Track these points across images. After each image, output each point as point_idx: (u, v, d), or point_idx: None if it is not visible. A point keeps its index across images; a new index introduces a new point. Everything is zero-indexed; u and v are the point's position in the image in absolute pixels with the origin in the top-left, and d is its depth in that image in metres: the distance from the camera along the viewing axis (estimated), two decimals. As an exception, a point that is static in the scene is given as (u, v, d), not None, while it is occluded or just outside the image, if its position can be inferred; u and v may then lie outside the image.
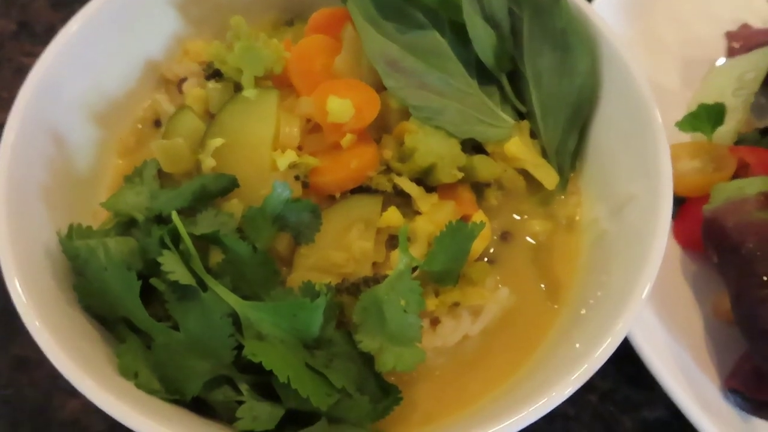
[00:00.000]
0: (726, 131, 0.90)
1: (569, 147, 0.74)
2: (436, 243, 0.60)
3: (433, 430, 0.59)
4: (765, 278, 0.72)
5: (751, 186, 0.80)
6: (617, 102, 0.71)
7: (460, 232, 0.60)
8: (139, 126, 0.79)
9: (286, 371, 0.52)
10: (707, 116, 0.88)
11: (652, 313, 0.79)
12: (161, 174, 0.69)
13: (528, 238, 0.74)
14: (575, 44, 0.72)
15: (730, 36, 0.99)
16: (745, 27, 1.02)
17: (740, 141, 0.90)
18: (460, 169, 0.70)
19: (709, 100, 0.92)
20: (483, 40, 0.74)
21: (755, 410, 0.73)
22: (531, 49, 0.75)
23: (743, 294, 0.73)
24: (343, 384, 0.55)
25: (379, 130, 0.73)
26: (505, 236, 0.74)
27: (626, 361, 0.76)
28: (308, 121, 0.71)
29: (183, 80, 0.78)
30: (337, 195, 0.69)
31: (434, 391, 0.65)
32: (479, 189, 0.74)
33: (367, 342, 0.57)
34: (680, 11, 1.05)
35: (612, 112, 0.72)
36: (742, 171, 0.86)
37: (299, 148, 0.70)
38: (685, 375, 0.74)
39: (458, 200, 0.71)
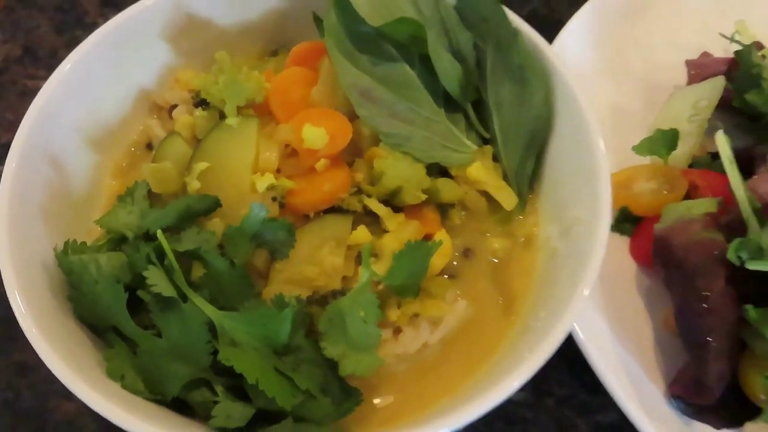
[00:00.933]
0: (681, 154, 0.96)
1: (527, 171, 0.81)
2: (395, 259, 0.66)
3: (392, 429, 0.65)
4: (704, 293, 0.78)
5: (699, 207, 0.86)
6: (568, 131, 0.77)
7: (418, 250, 0.67)
8: (133, 149, 0.85)
9: (255, 374, 0.58)
10: (663, 141, 0.94)
11: (606, 324, 0.84)
12: (151, 194, 0.76)
13: (488, 255, 0.80)
14: (531, 78, 0.79)
15: (689, 64, 1.05)
16: (705, 55, 1.08)
17: (694, 164, 0.96)
18: (425, 191, 0.77)
19: (667, 124, 0.99)
20: (448, 72, 0.80)
21: (696, 414, 0.79)
22: (493, 80, 0.81)
23: (684, 307, 0.79)
24: (307, 386, 0.61)
25: (352, 154, 0.80)
26: (467, 253, 0.80)
27: (584, 369, 0.82)
28: (286, 146, 0.77)
29: (173, 107, 0.84)
30: (312, 215, 0.76)
31: (396, 394, 0.71)
32: (444, 209, 0.81)
33: (330, 349, 0.63)
34: (646, 39, 1.11)
35: (563, 140, 0.78)
36: (693, 192, 0.92)
37: (278, 172, 0.77)
38: (633, 382, 0.80)
39: (423, 220, 0.77)
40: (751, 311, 0.76)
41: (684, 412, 0.79)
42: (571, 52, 1.06)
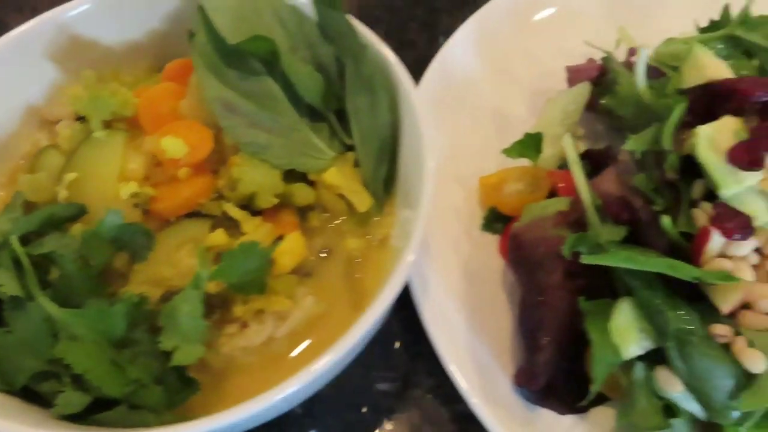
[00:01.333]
0: (551, 156, 1.01)
1: (380, 175, 0.86)
2: (223, 259, 0.72)
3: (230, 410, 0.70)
4: (541, 286, 0.83)
5: (552, 206, 0.91)
6: (408, 139, 0.83)
7: (249, 251, 0.73)
8: (22, 162, 0.92)
9: (83, 365, 0.64)
10: (531, 144, 0.99)
11: (464, 318, 0.90)
12: (30, 203, 0.83)
13: (345, 254, 0.85)
14: (378, 88, 0.84)
15: (568, 69, 1.10)
16: (590, 61, 1.13)
17: (563, 165, 1.01)
18: (280, 196, 0.83)
19: (544, 128, 1.04)
20: (307, 84, 0.86)
21: (540, 401, 0.84)
22: (351, 91, 0.87)
23: (524, 300, 0.84)
24: (137, 376, 0.67)
25: (216, 163, 0.86)
26: (324, 252, 0.86)
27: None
28: (154, 157, 0.84)
29: (59, 121, 0.91)
30: (173, 219, 0.82)
31: (243, 383, 0.76)
32: (304, 212, 0.87)
33: (165, 342, 0.69)
34: (534, 46, 1.17)
35: (406, 147, 0.84)
36: (556, 192, 0.97)
37: (146, 179, 0.83)
38: (482, 372, 0.85)
39: (279, 222, 0.83)
40: (583, 303, 0.81)
41: (529, 399, 0.84)
42: (458, 60, 1.12)
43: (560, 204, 0.90)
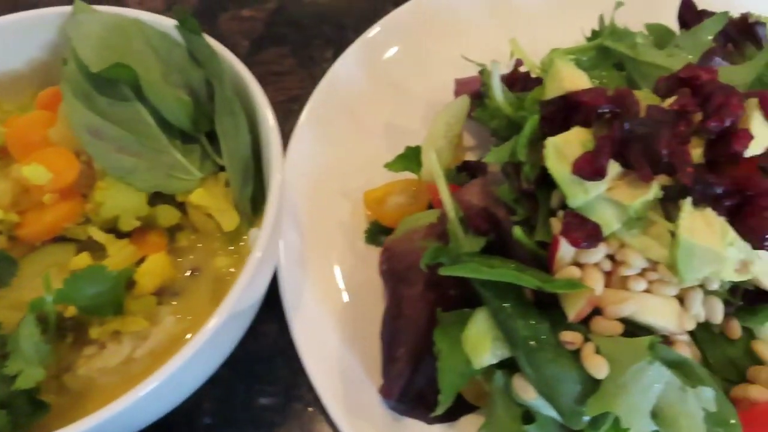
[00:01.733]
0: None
1: (247, 194, 0.88)
2: (64, 284, 0.74)
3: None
4: (401, 298, 0.85)
5: (425, 218, 0.93)
6: (266, 157, 0.85)
7: (96, 274, 0.75)
8: None
9: None
10: (412, 157, 1.01)
11: (337, 332, 0.91)
12: None
13: (214, 273, 0.87)
14: (238, 110, 0.87)
15: (456, 82, 1.12)
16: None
17: (446, 177, 1.03)
18: (146, 218, 0.85)
19: (431, 141, 1.06)
20: (173, 108, 0.89)
21: (407, 412, 0.85)
22: (218, 112, 0.89)
23: (386, 311, 0.86)
24: (-21, 401, 0.69)
25: (87, 187, 0.88)
26: (194, 271, 0.87)
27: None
28: (22, 183, 0.86)
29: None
30: (39, 244, 0.84)
31: (102, 404, 0.77)
32: (173, 232, 0.89)
33: (11, 366, 0.71)
34: (429, 60, 1.19)
35: (266, 165, 0.86)
36: (436, 204, 0.99)
37: (14, 206, 0.85)
38: (350, 385, 0.86)
39: (145, 243, 0.85)
40: (440, 314, 0.83)
41: (396, 410, 0.86)
42: (351, 75, 1.14)
43: (431, 216, 0.92)
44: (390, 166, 1.01)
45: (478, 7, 1.25)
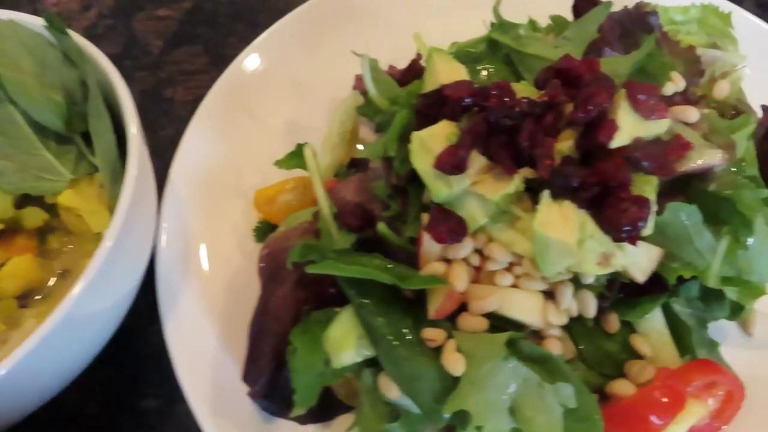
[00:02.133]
0: (328, 166, 1.02)
1: (115, 194, 0.86)
2: None
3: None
4: (268, 297, 0.84)
5: (304, 216, 0.92)
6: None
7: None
8: None
9: None
10: (302, 154, 1.00)
11: (215, 333, 0.90)
12: None
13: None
14: (103, 110, 0.86)
15: (356, 78, 1.11)
16: (390, 68, 1.14)
17: (338, 175, 1.02)
18: (11, 220, 0.84)
19: (328, 137, 1.05)
20: (45, 109, 0.87)
21: (279, 413, 0.84)
22: (90, 112, 0.88)
23: (255, 310, 0.85)
24: None
25: (-44, 191, 0.87)
26: (64, 273, 0.87)
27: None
28: None
29: None
30: None
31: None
32: (44, 234, 0.88)
33: None
34: (332, 55, 1.17)
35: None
36: (321, 201, 0.97)
37: None
38: (221, 386, 0.85)
39: (11, 246, 0.85)
40: (306, 313, 0.82)
41: (268, 411, 0.85)
42: (252, 73, 1.13)
43: (309, 213, 0.91)
44: (280, 163, 1.00)
45: (388, 1, 1.23)
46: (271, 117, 1.12)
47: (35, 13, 0.94)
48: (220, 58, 1.29)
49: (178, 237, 0.96)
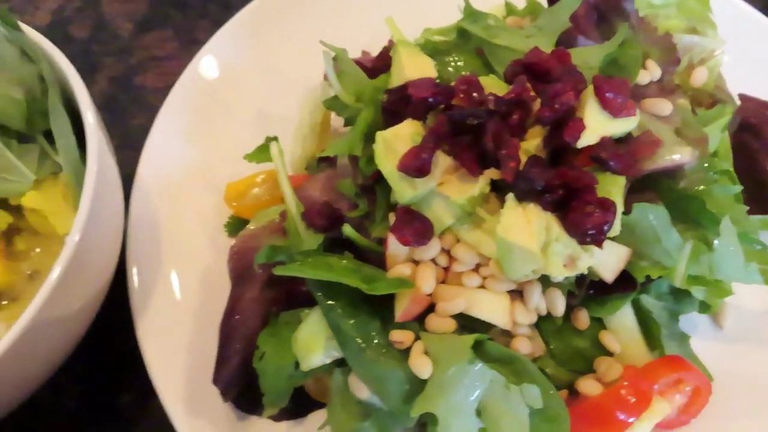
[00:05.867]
0: (299, 158, 1.01)
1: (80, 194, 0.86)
2: None
3: None
4: (236, 299, 0.83)
5: (272, 213, 0.91)
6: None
7: None
8: None
9: None
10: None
11: (186, 330, 0.90)
12: None
13: (53, 276, 0.86)
14: (60, 108, 0.84)
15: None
16: (363, 54, 1.11)
17: (308, 168, 1.01)
18: (-25, 223, 0.83)
19: (299, 129, 1.03)
20: (4, 107, 0.85)
21: (253, 410, 0.85)
22: (51, 111, 0.86)
23: (225, 310, 0.85)
24: None
25: None
26: (33, 275, 0.86)
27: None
28: None
29: None
30: None
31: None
32: (10, 236, 0.87)
33: None
34: (304, 40, 1.13)
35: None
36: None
37: None
38: (194, 384, 0.86)
39: (-25, 250, 0.84)
40: (272, 315, 0.82)
41: (241, 409, 0.85)
42: (219, 62, 1.11)
43: (273, 212, 0.90)
44: (249, 157, 0.98)
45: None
46: (241, 107, 1.10)
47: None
48: (192, 42, 1.26)
49: (148, 233, 0.95)
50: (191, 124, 1.05)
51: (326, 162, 0.98)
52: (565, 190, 0.74)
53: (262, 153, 0.98)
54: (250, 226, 0.91)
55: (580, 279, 0.83)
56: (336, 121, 1.06)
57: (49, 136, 0.89)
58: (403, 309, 0.77)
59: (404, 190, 0.77)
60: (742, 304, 0.92)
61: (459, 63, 0.92)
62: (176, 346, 0.89)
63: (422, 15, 1.07)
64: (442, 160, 0.78)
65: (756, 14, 1.15)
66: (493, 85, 0.85)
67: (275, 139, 0.97)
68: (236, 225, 0.99)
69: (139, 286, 0.91)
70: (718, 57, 1.02)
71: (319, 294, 0.79)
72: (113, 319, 0.92)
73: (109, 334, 0.95)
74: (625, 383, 0.78)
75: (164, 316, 0.90)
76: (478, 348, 0.75)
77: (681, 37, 1.00)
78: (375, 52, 1.09)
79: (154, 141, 1.01)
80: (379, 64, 1.03)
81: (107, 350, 0.97)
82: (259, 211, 0.93)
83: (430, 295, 0.79)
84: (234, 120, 1.09)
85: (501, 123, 0.77)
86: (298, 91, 1.11)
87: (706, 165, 0.83)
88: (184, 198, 1.00)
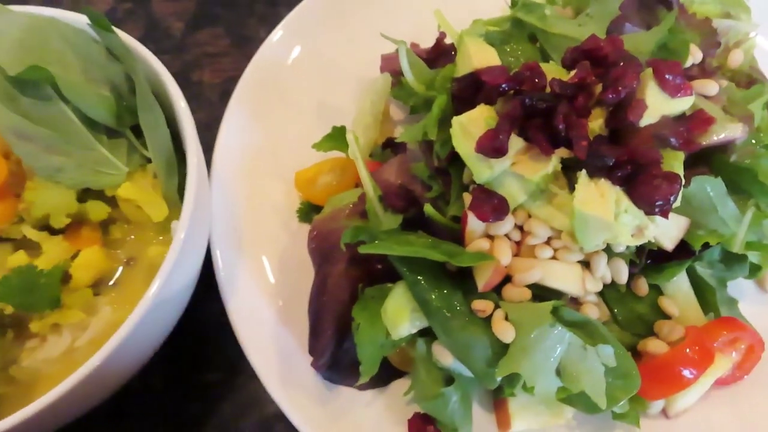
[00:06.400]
0: (363, 146, 1.06)
1: (172, 185, 0.91)
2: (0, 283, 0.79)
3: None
4: (325, 275, 0.90)
5: (348, 197, 0.97)
6: (185, 148, 0.88)
7: (26, 274, 0.79)
8: None
9: None
10: (338, 136, 1.04)
11: (272, 309, 0.97)
12: None
13: (147, 261, 0.91)
14: (154, 104, 0.89)
15: (382, 58, 1.14)
16: (413, 46, 1.17)
17: (373, 154, 1.07)
18: (77, 214, 0.89)
19: (359, 118, 1.09)
20: (94, 104, 0.91)
21: (339, 380, 0.92)
22: (140, 107, 0.92)
23: (313, 287, 0.91)
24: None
25: (20, 187, 0.91)
26: (129, 261, 0.92)
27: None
28: (-40, 188, 0.89)
29: None
30: (-22, 245, 0.88)
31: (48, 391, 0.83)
32: (106, 225, 0.92)
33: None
34: (359, 35, 1.20)
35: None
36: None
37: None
38: (283, 358, 0.92)
39: (78, 239, 0.89)
40: (360, 290, 0.88)
41: (328, 379, 0.92)
42: (280, 55, 1.17)
43: (354, 195, 0.96)
44: (318, 146, 1.04)
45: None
46: (300, 98, 1.15)
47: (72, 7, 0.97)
48: (243, 39, 1.32)
49: (228, 221, 1.01)
50: (255, 116, 1.11)
51: (391, 148, 1.04)
52: (633, 165, 0.81)
53: (329, 142, 1.05)
54: (327, 210, 0.97)
55: (640, 249, 0.89)
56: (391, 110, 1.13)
57: (134, 130, 0.95)
58: (485, 279, 0.83)
59: (482, 170, 0.84)
60: (785, 268, 0.99)
61: (518, 51, 0.98)
62: (263, 324, 0.95)
63: (463, 7, 1.14)
64: (514, 142, 0.84)
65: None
66: (553, 71, 0.91)
67: (343, 128, 1.04)
68: (307, 210, 1.05)
69: (223, 269, 0.97)
70: (752, 39, 1.09)
71: (404, 269, 0.86)
72: (190, 306, 0.98)
73: (187, 318, 1.01)
74: (689, 342, 0.85)
75: (249, 294, 0.96)
76: (555, 313, 0.81)
77: (718, 23, 1.07)
78: (421, 43, 1.16)
79: (225, 133, 1.07)
80: (434, 55, 1.10)
81: (188, 334, 1.03)
82: (332, 196, 0.99)
83: (506, 267, 0.85)
84: (293, 110, 1.14)
85: (569, 105, 0.84)
86: (351, 82, 1.17)
87: (753, 141, 0.90)
88: (255, 186, 1.06)
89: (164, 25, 1.33)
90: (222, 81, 1.26)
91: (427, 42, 1.14)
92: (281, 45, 1.17)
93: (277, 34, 1.17)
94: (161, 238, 0.92)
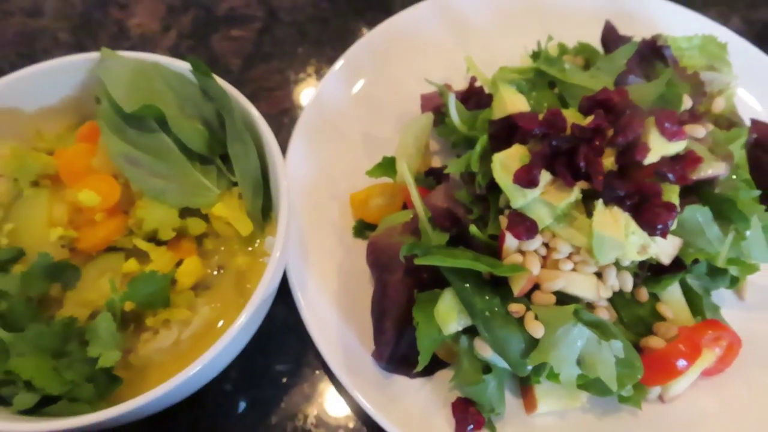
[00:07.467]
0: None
1: (257, 205, 1.09)
2: (128, 285, 0.96)
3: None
4: (385, 283, 1.08)
5: (401, 217, 1.16)
6: (273, 177, 1.06)
7: (150, 277, 0.96)
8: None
9: (29, 373, 0.88)
10: (388, 165, 1.23)
11: (336, 311, 1.14)
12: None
13: (235, 269, 1.09)
14: (247, 139, 1.07)
15: (422, 97, 1.34)
16: (447, 87, 1.37)
17: (416, 181, 1.26)
18: (179, 228, 1.06)
19: (402, 149, 1.28)
20: (192, 136, 1.09)
21: (394, 370, 1.10)
22: (229, 139, 1.10)
23: (375, 293, 1.09)
24: (73, 378, 0.90)
25: (127, 205, 1.08)
26: (220, 269, 1.09)
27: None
28: (75, 205, 1.06)
29: (-1, 177, 1.12)
30: (95, 254, 1.05)
31: (160, 376, 1.00)
32: (200, 239, 1.10)
33: (91, 351, 0.93)
34: (399, 75, 1.40)
35: (272, 182, 1.07)
36: (409, 205, 1.21)
37: (70, 223, 1.05)
38: (347, 352, 1.10)
39: (179, 249, 1.07)
40: (417, 295, 1.07)
41: (386, 369, 1.10)
42: (332, 93, 1.35)
43: (405, 216, 1.15)
44: (370, 172, 1.23)
45: (439, 27, 1.46)
46: (350, 131, 1.34)
47: (120, 33, 1.13)
48: (293, 75, 1.50)
49: (297, 235, 1.19)
50: (316, 145, 1.29)
51: (432, 176, 1.23)
52: (639, 196, 1.01)
53: (380, 169, 1.24)
54: (381, 228, 1.16)
55: (642, 263, 1.09)
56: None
57: (222, 158, 1.12)
58: (520, 287, 1.02)
59: (517, 197, 1.03)
60: (759, 281, 1.20)
61: (542, 97, 1.18)
62: (328, 322, 1.13)
63: (487, 52, 1.35)
64: (544, 175, 1.04)
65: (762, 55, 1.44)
66: (572, 117, 1.11)
67: (393, 159, 1.23)
68: (361, 228, 1.23)
69: (297, 279, 1.14)
70: (733, 88, 1.30)
71: (453, 278, 1.04)
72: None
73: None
74: (682, 339, 1.05)
75: (316, 299, 1.14)
76: (576, 315, 1.00)
77: (704, 74, 1.28)
78: (452, 83, 1.36)
79: (290, 161, 1.25)
80: (467, 96, 1.30)
81: (263, 330, 1.20)
82: (386, 217, 1.18)
83: (536, 277, 1.04)
84: (346, 141, 1.33)
85: (588, 146, 1.03)
86: (392, 117, 1.37)
87: (734, 176, 1.10)
88: (316, 206, 1.24)
89: (223, 62, 1.51)
90: (277, 113, 1.44)
91: (453, 80, 1.35)
92: (334, 85, 1.35)
93: (330, 75, 1.36)
94: (249, 249, 1.10)
